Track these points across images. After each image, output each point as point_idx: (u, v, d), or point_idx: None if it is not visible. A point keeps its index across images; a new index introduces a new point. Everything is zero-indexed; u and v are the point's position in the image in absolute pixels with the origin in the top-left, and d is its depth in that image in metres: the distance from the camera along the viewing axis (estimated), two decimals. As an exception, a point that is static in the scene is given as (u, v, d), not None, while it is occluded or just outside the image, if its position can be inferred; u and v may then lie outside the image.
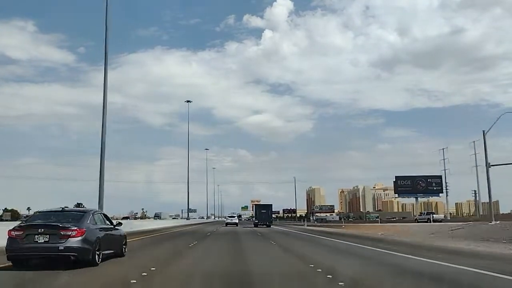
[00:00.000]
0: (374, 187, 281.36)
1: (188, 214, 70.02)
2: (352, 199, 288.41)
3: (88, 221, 9.26)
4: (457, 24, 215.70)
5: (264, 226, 47.52)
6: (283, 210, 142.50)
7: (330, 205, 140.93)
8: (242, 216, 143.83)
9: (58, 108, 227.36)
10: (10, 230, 8.58)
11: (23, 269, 8.40)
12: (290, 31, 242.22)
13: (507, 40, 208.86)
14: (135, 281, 7.12)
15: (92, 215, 9.75)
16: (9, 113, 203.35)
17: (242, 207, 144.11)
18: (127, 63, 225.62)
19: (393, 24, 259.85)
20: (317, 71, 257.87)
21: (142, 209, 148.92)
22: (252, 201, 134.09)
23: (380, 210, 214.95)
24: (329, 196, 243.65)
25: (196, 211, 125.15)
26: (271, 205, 55.79)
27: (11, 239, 8.51)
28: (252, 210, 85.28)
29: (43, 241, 8.36)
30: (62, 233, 8.39)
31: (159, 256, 11.96)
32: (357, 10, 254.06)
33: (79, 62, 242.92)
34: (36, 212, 10.79)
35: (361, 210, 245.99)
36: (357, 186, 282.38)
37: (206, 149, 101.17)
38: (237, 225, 52.54)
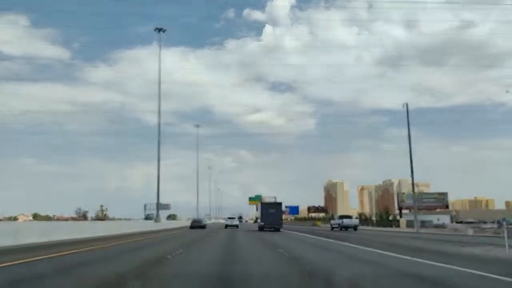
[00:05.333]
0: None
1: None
2: (383, 196, 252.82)
3: (204, 220, 48.48)
4: (464, 19, 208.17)
5: (272, 230, 39.70)
6: (309, 207, 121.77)
7: (441, 193, 74.65)
8: (243, 217, 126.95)
9: (54, 106, 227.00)
10: (191, 221, 48.47)
11: (194, 229, 45.05)
12: (292, 25, 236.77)
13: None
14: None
15: (204, 217, 48.88)
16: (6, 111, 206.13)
17: (250, 199, 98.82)
18: (124, 59, 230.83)
19: (398, 19, 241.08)
20: (320, 68, 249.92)
21: (101, 206, 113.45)
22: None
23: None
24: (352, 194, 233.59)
25: (169, 207, 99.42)
26: (281, 203, 46.54)
27: (190, 223, 47.78)
28: (257, 210, 74.90)
29: (197, 224, 47.45)
30: (202, 222, 48.06)
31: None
32: (362, 4, 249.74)
33: (73, 58, 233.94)
34: (191, 218, 48.88)
35: (396, 210, 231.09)
36: (390, 180, 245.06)
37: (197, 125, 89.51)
38: (237, 227, 51.94)
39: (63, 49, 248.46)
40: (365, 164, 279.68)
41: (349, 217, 51.45)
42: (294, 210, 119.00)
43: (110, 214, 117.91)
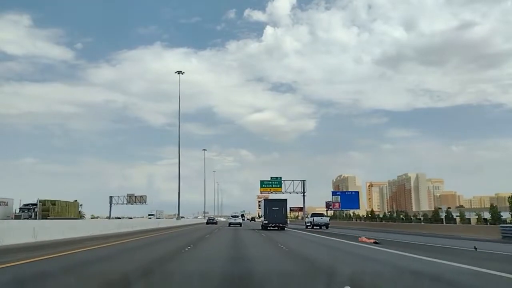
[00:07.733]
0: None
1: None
2: (397, 192, 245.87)
3: (216, 219, 71.25)
4: (464, 19, 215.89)
5: (276, 228, 36.94)
6: (327, 203, 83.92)
7: None
8: (244, 216, 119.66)
9: (58, 107, 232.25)
10: (207, 219, 70.81)
11: (209, 224, 65.44)
12: (293, 26, 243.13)
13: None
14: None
15: (216, 218, 71.17)
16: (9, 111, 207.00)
17: (262, 184, 73.29)
18: (127, 60, 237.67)
19: (398, 19, 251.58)
20: (320, 69, 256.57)
21: (75, 201, 71.87)
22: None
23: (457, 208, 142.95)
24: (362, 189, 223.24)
25: (145, 201, 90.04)
26: (286, 200, 42.48)
27: (206, 221, 69.48)
28: (259, 208, 69.05)
29: (211, 221, 68.78)
30: (214, 219, 70.14)
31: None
32: (362, 4, 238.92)
33: (77, 59, 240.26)
34: (208, 217, 70.19)
35: (413, 208, 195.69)
36: (406, 175, 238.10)
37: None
38: (240, 225, 52.78)
39: (67, 49, 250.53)
40: (369, 162, 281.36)
41: (320, 215, 50.64)
42: (351, 201, 77.34)
43: (91, 211, 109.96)
